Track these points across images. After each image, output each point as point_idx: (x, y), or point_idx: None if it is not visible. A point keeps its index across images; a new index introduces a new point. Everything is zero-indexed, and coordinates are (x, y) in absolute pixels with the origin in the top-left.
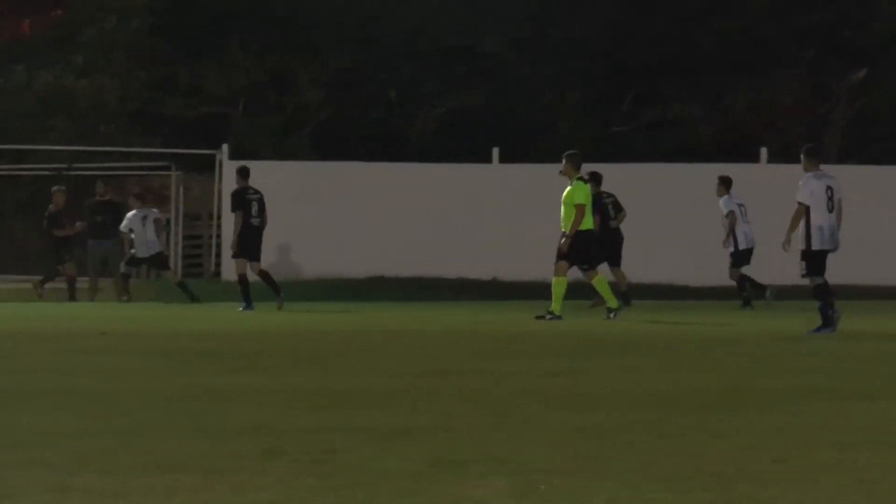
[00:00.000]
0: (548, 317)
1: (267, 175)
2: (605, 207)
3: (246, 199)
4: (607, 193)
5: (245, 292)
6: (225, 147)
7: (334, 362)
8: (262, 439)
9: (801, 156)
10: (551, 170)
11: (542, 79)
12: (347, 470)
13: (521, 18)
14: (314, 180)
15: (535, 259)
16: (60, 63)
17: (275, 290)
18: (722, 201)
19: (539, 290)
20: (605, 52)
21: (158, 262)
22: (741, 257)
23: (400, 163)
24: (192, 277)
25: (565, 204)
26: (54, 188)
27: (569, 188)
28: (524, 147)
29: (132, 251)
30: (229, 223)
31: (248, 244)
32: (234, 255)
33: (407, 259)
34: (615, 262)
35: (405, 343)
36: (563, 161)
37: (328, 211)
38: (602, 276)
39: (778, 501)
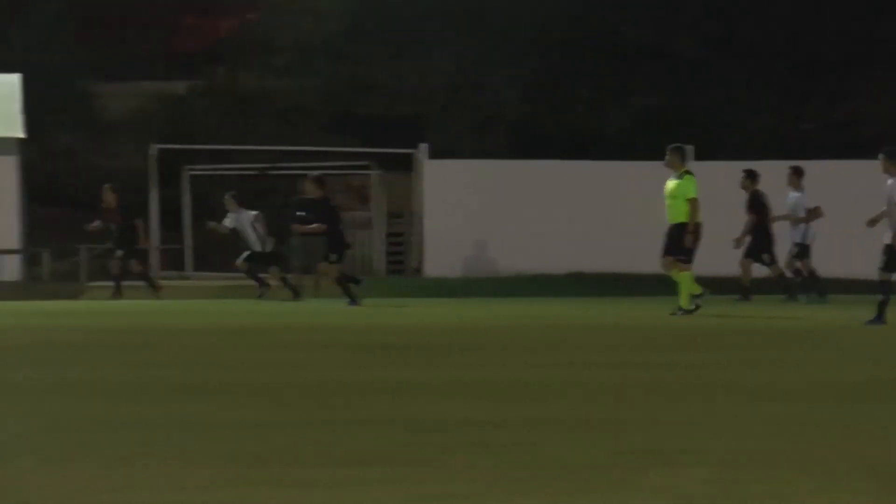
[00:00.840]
0: (678, 313)
1: (463, 173)
2: (764, 205)
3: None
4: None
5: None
6: (424, 146)
7: (541, 353)
8: (468, 432)
9: (882, 157)
10: (740, 167)
11: (732, 77)
12: (551, 461)
13: (712, 18)
14: (509, 178)
15: (728, 254)
16: (261, 65)
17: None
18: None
19: (730, 286)
20: (795, 49)
21: (273, 258)
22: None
23: (594, 161)
24: (395, 274)
25: (673, 197)
26: (105, 185)
27: (676, 181)
28: (715, 145)
29: (250, 250)
30: (431, 220)
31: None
32: (336, 261)
33: (604, 255)
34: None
35: (600, 337)
36: (668, 154)
37: (524, 208)
38: (691, 272)
39: None
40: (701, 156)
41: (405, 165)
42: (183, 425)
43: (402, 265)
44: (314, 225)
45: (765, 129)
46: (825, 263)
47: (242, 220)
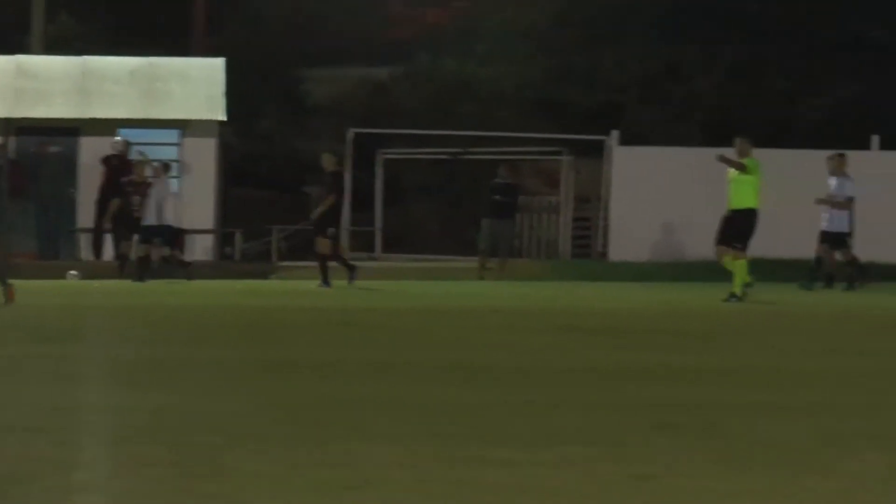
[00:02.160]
0: (731, 300)
1: (651, 160)
2: None
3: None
4: None
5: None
6: (615, 133)
7: (719, 340)
8: (652, 413)
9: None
10: None
11: None
12: (735, 443)
13: None
14: (697, 165)
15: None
16: (463, 52)
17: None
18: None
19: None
20: None
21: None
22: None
23: (787, 149)
24: (581, 258)
25: (737, 183)
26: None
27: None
28: None
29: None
30: (619, 206)
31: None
32: (331, 236)
33: (788, 241)
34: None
35: (790, 323)
36: (739, 143)
37: (716, 195)
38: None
39: None
40: (888, 145)
41: (598, 152)
42: (413, 405)
43: (589, 249)
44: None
45: None
46: None
47: None
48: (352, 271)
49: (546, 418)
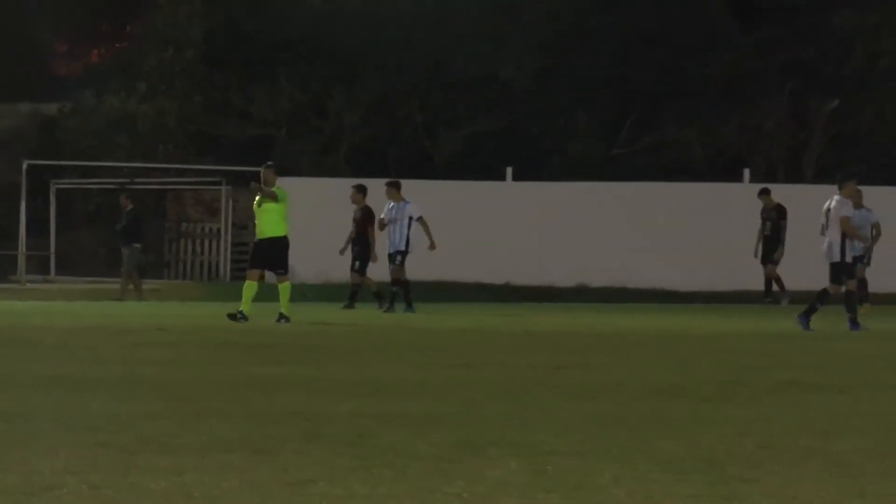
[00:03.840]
0: (281, 320)
1: (307, 190)
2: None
3: None
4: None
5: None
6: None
7: (369, 356)
8: (303, 424)
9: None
10: (559, 188)
11: (554, 105)
12: (379, 452)
13: (537, 50)
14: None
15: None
16: (125, 89)
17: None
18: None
19: (546, 293)
20: (610, 82)
21: None
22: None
23: (426, 180)
24: (239, 280)
25: None
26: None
27: None
28: (537, 167)
29: None
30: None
31: None
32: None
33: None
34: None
35: (432, 340)
36: (265, 172)
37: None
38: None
39: (762, 483)
40: (519, 176)
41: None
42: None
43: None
44: None
45: (580, 153)
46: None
47: None
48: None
49: (213, 427)
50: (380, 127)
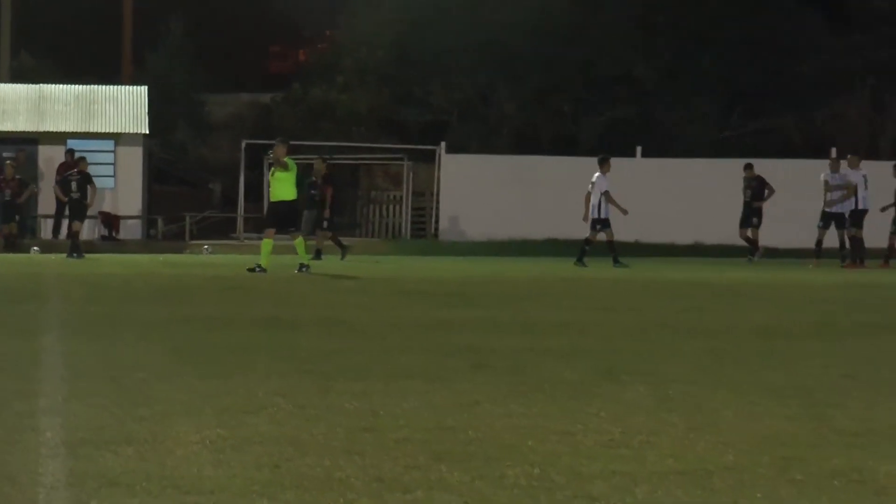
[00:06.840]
0: (303, 269)
1: (475, 164)
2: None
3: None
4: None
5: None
6: (443, 144)
7: (527, 302)
8: (471, 356)
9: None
10: (680, 164)
11: (676, 97)
12: (533, 379)
13: (664, 53)
14: (510, 169)
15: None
16: (327, 82)
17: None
18: (853, 173)
19: (668, 250)
20: (723, 78)
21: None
22: (860, 217)
23: (572, 157)
24: (418, 237)
25: None
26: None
27: None
28: (662, 147)
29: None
30: (446, 199)
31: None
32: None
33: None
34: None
35: (579, 288)
36: (277, 146)
37: (522, 192)
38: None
39: (846, 407)
40: (648, 154)
41: (430, 158)
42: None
43: (424, 231)
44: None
45: (697, 136)
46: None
47: None
48: (344, 250)
49: (397, 359)
50: (535, 114)
